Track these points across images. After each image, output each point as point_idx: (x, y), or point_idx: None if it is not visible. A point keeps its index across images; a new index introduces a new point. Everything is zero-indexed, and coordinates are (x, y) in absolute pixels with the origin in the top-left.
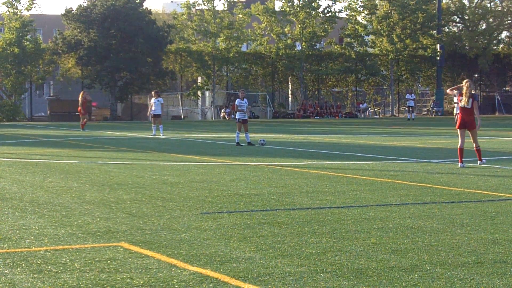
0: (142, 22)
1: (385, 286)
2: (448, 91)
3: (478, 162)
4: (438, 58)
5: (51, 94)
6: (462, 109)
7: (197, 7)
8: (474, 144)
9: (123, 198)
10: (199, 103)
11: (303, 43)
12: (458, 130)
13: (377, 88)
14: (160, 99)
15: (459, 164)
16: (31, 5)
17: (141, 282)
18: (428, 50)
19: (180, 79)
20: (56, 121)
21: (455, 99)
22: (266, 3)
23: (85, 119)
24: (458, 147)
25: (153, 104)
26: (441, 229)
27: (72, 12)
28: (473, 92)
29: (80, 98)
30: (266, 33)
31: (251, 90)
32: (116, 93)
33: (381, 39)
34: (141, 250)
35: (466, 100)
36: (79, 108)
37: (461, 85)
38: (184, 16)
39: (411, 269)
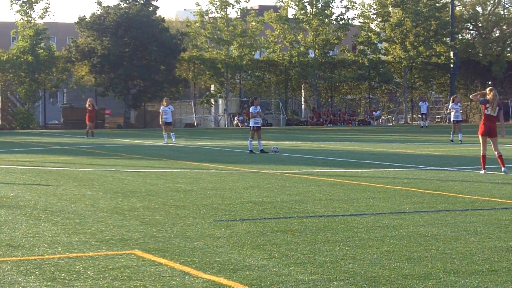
0: (156, 30)
1: None
2: (472, 96)
3: (502, 169)
4: (452, 65)
5: (65, 102)
6: (487, 116)
7: (210, 15)
8: (496, 152)
9: (136, 205)
10: (212, 110)
11: (316, 51)
12: (480, 137)
13: (391, 95)
14: (171, 107)
15: (482, 171)
16: (44, 13)
17: None
18: (441, 57)
19: (193, 86)
20: (70, 128)
21: (450, 106)
22: (279, 11)
23: (91, 128)
24: (481, 154)
25: (164, 111)
26: (454, 237)
27: (86, 20)
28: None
29: (89, 106)
30: (279, 40)
31: (264, 98)
32: (130, 101)
33: (394, 46)
34: (154, 258)
35: (493, 109)
36: (88, 115)
37: (485, 91)
38: (197, 24)
39: (424, 277)
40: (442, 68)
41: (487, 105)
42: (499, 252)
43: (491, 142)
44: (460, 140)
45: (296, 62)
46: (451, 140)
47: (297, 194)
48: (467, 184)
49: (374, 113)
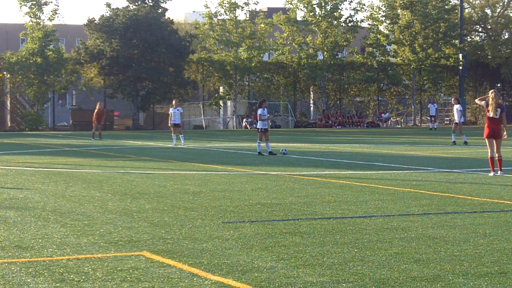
0: (164, 32)
1: None
2: (477, 101)
3: (499, 172)
4: (461, 67)
5: (74, 104)
6: (490, 119)
7: (219, 17)
8: (497, 154)
9: (145, 207)
10: (221, 112)
11: (325, 53)
12: (486, 139)
13: (399, 97)
14: (180, 109)
15: (491, 173)
16: (53, 15)
17: None
18: (450, 59)
19: (202, 88)
20: (79, 130)
21: (457, 107)
22: (288, 13)
23: (97, 129)
24: (489, 156)
25: (173, 113)
26: (463, 239)
27: (95, 22)
28: (499, 102)
29: (98, 109)
30: (288, 42)
31: (272, 100)
32: (138, 103)
33: (403, 48)
34: (163, 260)
35: (493, 111)
36: (94, 118)
37: (487, 95)
38: (206, 26)
39: (433, 279)
40: (451, 70)
41: (488, 108)
42: (508, 254)
43: (494, 144)
44: (454, 141)
45: (305, 64)
46: (465, 142)
47: (305, 196)
48: (476, 186)
49: (383, 115)
